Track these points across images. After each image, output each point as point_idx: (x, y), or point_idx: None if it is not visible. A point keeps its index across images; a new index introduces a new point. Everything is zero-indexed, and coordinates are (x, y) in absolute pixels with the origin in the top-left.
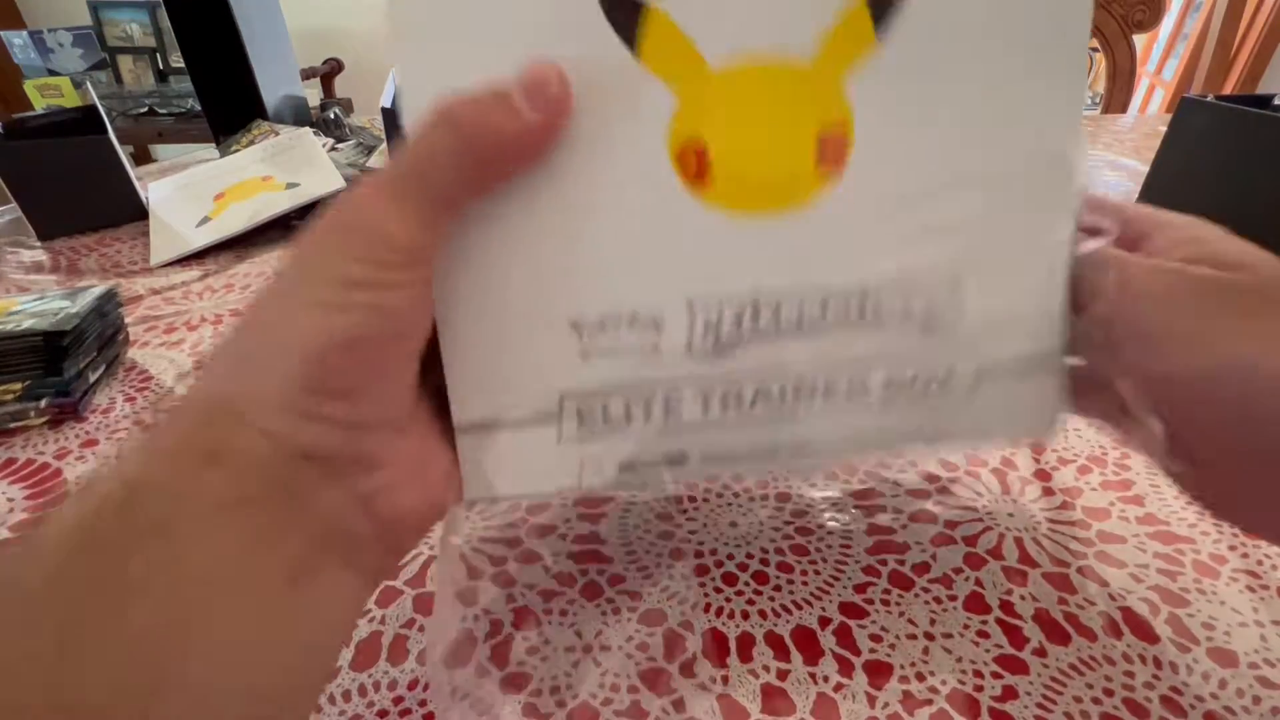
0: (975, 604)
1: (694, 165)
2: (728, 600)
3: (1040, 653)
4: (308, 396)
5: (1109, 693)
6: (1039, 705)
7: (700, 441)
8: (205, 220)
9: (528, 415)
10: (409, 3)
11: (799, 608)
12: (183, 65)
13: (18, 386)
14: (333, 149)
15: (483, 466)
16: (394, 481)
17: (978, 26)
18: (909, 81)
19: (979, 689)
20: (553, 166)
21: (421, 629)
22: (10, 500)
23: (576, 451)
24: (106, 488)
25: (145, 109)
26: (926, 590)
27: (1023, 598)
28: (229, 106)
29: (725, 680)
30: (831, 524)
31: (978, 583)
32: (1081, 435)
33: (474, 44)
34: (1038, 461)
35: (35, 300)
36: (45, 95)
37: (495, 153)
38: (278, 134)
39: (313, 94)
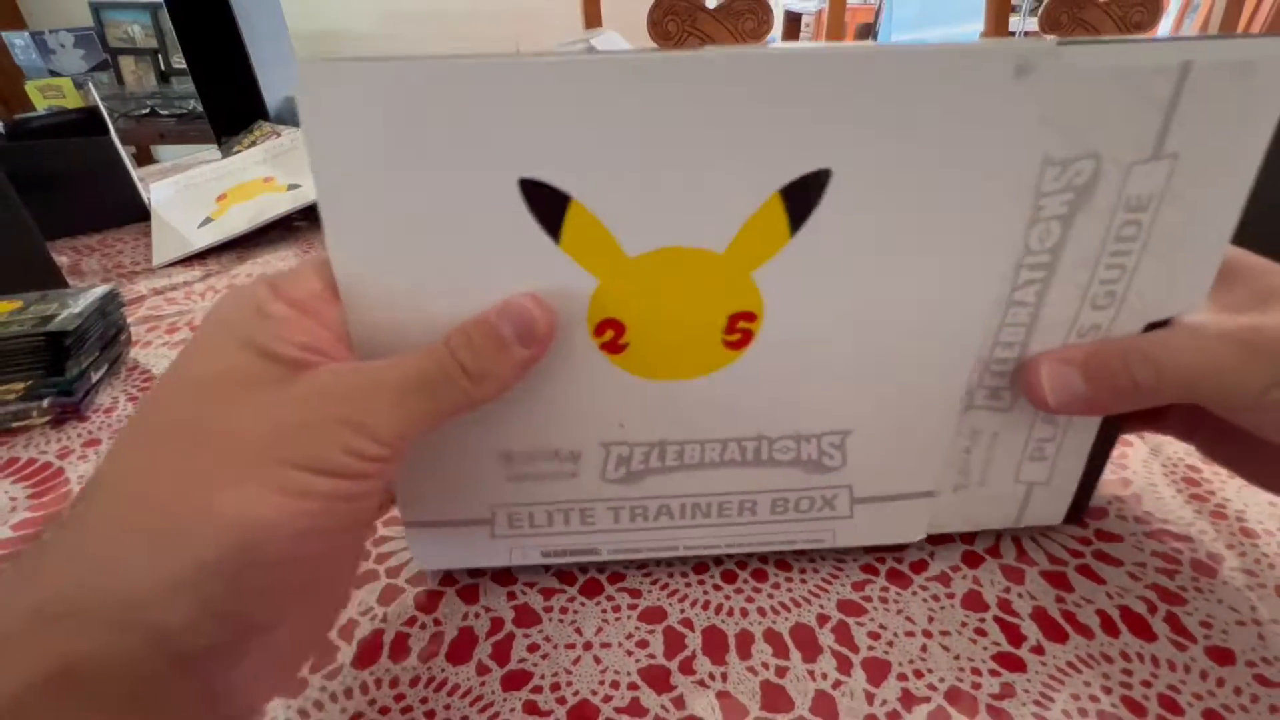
0: (973, 602)
1: (611, 338)
2: (727, 598)
3: (1038, 650)
4: (232, 592)
5: (1106, 690)
6: (1036, 703)
7: (610, 540)
8: (207, 221)
9: (463, 518)
10: (340, 195)
11: (798, 605)
12: (184, 66)
13: (20, 386)
14: None
15: (425, 547)
16: (252, 674)
17: (873, 228)
18: (813, 270)
19: (977, 686)
20: None
21: (423, 626)
22: (13, 499)
23: (506, 543)
24: None
25: (147, 110)
26: (924, 588)
27: (1020, 595)
28: (231, 108)
29: (724, 677)
30: None
31: (975, 581)
32: None
33: (406, 233)
34: None
35: (37, 300)
36: (47, 96)
37: (492, 384)
38: (279, 135)
39: None
